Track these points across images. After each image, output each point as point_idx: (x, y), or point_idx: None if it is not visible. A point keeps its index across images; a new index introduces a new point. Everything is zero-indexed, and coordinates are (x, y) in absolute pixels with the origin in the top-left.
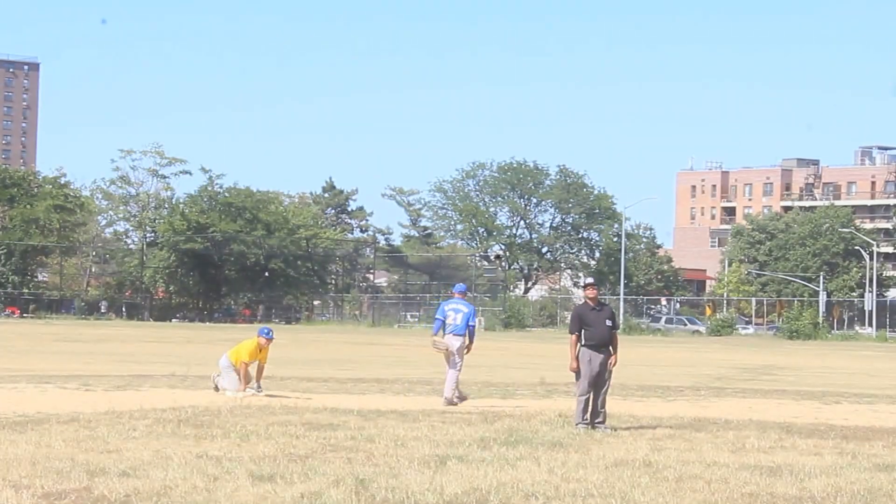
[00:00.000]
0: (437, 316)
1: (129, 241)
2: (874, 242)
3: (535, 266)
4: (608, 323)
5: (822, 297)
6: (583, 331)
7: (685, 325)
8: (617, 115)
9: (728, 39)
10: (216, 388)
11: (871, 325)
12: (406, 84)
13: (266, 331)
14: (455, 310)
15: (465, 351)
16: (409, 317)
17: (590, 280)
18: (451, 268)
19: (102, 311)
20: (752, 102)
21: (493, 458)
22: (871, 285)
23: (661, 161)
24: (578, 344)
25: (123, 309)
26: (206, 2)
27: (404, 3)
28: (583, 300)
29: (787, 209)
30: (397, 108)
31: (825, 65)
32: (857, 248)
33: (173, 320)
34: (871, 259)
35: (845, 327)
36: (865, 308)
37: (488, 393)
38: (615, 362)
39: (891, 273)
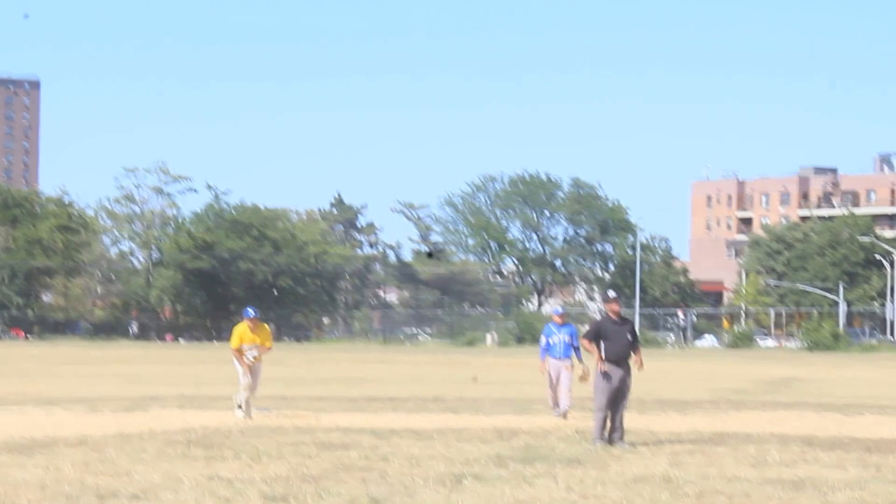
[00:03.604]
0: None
1: (134, 260)
2: (894, 251)
3: (548, 280)
4: (628, 337)
5: (842, 308)
6: (602, 344)
7: (860, 337)
8: (630, 126)
9: (742, 48)
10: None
11: (892, 334)
12: (414, 97)
13: (247, 312)
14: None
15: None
16: (420, 336)
17: (612, 293)
18: (463, 283)
19: (133, 332)
20: (767, 111)
21: (509, 476)
22: (892, 294)
23: (675, 171)
24: (593, 344)
25: (131, 329)
26: (209, 17)
27: (412, 17)
28: (603, 314)
29: (804, 218)
30: (405, 122)
31: (841, 71)
32: (877, 256)
33: (180, 340)
34: (892, 268)
35: (866, 338)
36: (887, 318)
37: (503, 409)
38: (640, 364)
39: None
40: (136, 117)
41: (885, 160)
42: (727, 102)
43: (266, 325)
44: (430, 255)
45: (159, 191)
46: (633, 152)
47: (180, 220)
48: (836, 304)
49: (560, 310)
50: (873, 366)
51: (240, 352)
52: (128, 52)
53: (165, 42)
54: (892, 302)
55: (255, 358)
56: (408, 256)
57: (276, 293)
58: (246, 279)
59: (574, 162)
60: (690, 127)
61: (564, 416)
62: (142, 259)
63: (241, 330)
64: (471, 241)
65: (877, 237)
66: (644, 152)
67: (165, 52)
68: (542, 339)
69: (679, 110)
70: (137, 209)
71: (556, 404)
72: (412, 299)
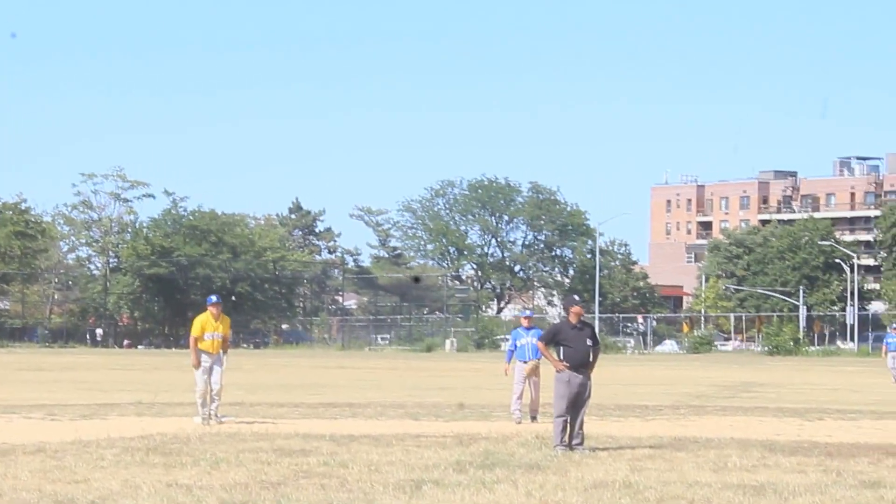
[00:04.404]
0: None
1: (92, 266)
2: (854, 255)
3: (507, 285)
4: (589, 342)
5: (803, 312)
6: (561, 349)
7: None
8: (589, 130)
9: (700, 52)
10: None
11: (852, 339)
12: (372, 102)
13: (210, 299)
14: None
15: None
16: (379, 339)
17: (577, 297)
18: (422, 288)
19: (98, 339)
20: (727, 115)
21: (469, 482)
22: (852, 299)
23: (635, 175)
24: (552, 348)
25: (96, 336)
26: (166, 24)
27: (368, 23)
28: (563, 318)
29: (764, 222)
30: (363, 127)
31: (801, 75)
32: (837, 260)
33: (138, 346)
34: (852, 272)
35: (826, 342)
36: (847, 322)
37: (463, 415)
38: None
39: (872, 286)
40: (93, 123)
41: (844, 164)
42: (686, 106)
43: (226, 316)
44: (416, 279)
45: (117, 197)
46: (592, 157)
47: (138, 226)
48: (797, 308)
49: (528, 313)
50: (833, 370)
51: (199, 342)
52: (85, 57)
53: (122, 48)
54: (853, 306)
55: (219, 341)
56: (366, 262)
57: (234, 299)
58: (204, 285)
59: (533, 167)
60: (649, 131)
61: (534, 419)
62: (99, 265)
63: (204, 319)
64: (430, 247)
65: (837, 241)
66: (603, 157)
67: (122, 58)
68: (510, 342)
69: (638, 114)
70: (95, 215)
71: (518, 410)
72: (371, 305)
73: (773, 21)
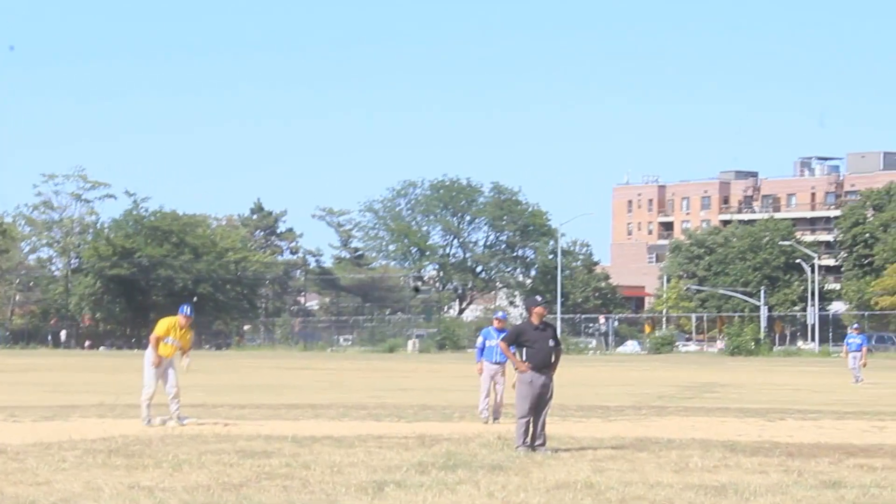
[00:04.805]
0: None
1: (53, 267)
2: (815, 255)
3: (469, 286)
4: (551, 343)
5: (764, 312)
6: (524, 350)
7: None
8: (551, 130)
9: (662, 51)
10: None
11: (813, 339)
12: (334, 104)
13: (182, 309)
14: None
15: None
16: (341, 340)
17: (538, 298)
18: (384, 289)
19: (62, 340)
20: (688, 115)
21: (431, 483)
22: (812, 299)
23: (596, 176)
24: (514, 349)
25: (50, 338)
26: (125, 25)
27: (326, 25)
28: (524, 319)
29: (725, 223)
30: (325, 128)
31: (761, 75)
32: (797, 261)
33: (101, 348)
34: (813, 272)
35: (787, 342)
36: (808, 322)
37: (425, 416)
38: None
39: (833, 286)
40: (55, 124)
41: (805, 164)
42: (647, 106)
43: (191, 330)
44: (416, 289)
45: (78, 197)
46: (553, 157)
47: (99, 227)
48: (758, 308)
49: (502, 315)
50: (794, 371)
51: (159, 342)
52: (45, 59)
53: (82, 50)
54: (814, 307)
55: (180, 349)
56: (328, 262)
57: (196, 300)
58: (166, 286)
59: (494, 167)
60: (611, 131)
61: (497, 420)
62: (60, 266)
63: (171, 323)
64: (391, 247)
65: (797, 241)
66: (564, 157)
67: (83, 59)
68: (479, 340)
69: (599, 115)
70: (56, 216)
71: (485, 410)
72: (333, 305)
73: (733, 21)
